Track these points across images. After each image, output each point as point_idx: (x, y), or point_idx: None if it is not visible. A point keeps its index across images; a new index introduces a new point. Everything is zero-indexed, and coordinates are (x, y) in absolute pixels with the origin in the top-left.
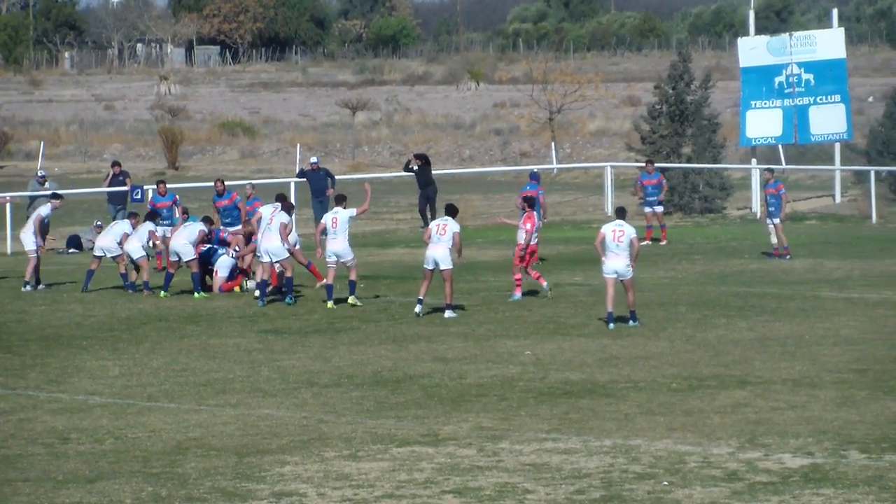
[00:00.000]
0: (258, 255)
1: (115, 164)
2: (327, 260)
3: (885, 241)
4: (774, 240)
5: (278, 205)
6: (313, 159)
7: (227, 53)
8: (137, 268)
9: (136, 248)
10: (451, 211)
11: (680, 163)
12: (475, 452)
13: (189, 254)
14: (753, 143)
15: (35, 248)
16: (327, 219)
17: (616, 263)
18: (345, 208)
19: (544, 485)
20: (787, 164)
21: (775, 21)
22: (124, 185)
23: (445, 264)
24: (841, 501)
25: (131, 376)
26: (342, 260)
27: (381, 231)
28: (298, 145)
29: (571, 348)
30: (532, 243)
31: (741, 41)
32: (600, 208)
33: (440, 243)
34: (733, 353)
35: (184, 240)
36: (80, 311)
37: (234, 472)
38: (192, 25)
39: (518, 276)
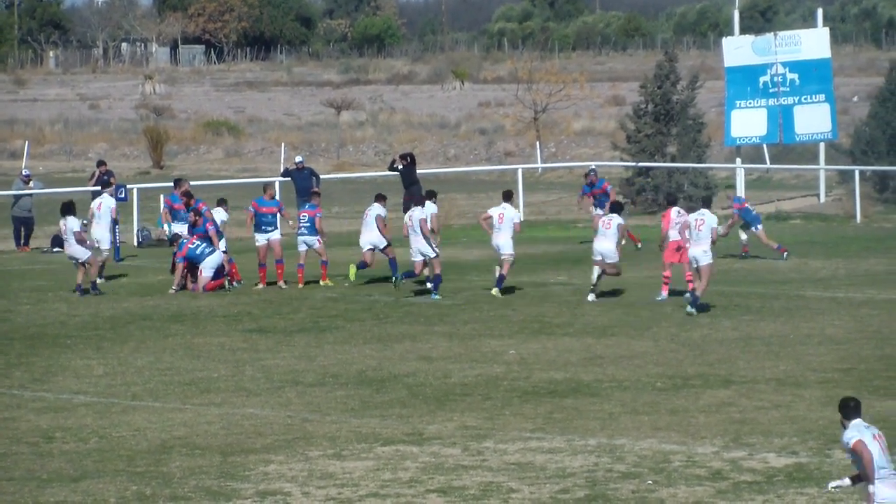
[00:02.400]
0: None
1: (101, 163)
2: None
3: (870, 241)
4: (744, 237)
5: (505, 206)
6: (298, 158)
7: (212, 53)
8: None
9: (80, 251)
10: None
11: (665, 162)
12: (460, 451)
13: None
14: (738, 142)
15: (109, 245)
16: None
17: (696, 250)
18: (423, 207)
19: (529, 484)
20: (770, 163)
21: (760, 21)
22: (110, 184)
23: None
24: (825, 501)
25: (116, 375)
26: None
27: None
28: (283, 144)
29: (556, 347)
30: (672, 240)
31: (726, 41)
32: (585, 207)
33: (502, 231)
34: (718, 353)
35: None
36: (65, 310)
37: (219, 471)
38: (177, 25)
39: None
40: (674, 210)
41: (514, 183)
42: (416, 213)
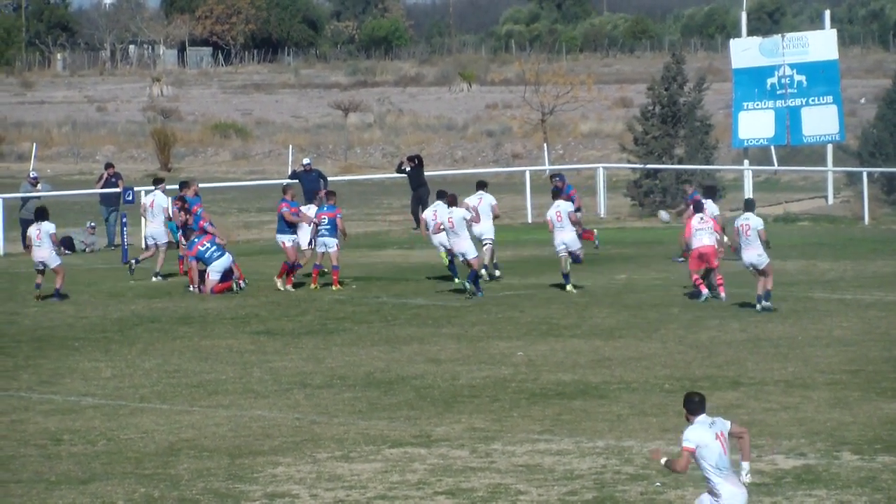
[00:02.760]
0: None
1: (109, 165)
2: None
3: (878, 243)
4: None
5: (481, 193)
6: (305, 160)
7: (220, 55)
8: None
9: (50, 256)
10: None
11: (672, 164)
12: (468, 453)
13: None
14: (746, 144)
15: (167, 240)
16: (443, 217)
17: (750, 255)
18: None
19: (537, 486)
20: (778, 164)
21: (767, 22)
22: (117, 186)
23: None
24: (834, 502)
25: (123, 377)
26: (468, 257)
27: (373, 232)
28: (291, 146)
29: (564, 349)
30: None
31: (733, 42)
32: (592, 209)
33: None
34: (726, 355)
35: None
36: (73, 312)
37: (227, 473)
38: (185, 27)
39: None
40: (696, 217)
41: (522, 185)
42: (563, 206)
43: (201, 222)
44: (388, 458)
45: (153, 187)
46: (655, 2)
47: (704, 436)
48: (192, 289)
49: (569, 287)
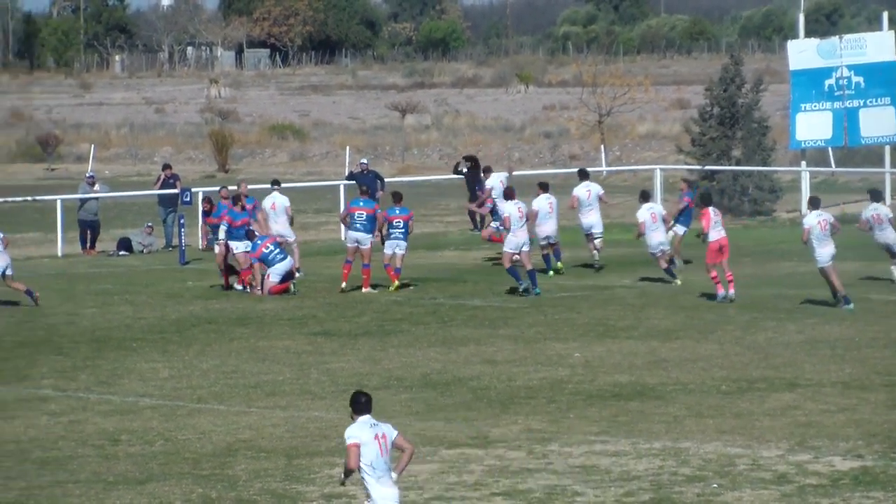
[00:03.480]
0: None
1: (166, 167)
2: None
3: None
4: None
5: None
6: (363, 161)
7: (277, 56)
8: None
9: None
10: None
11: (730, 165)
12: (524, 455)
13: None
14: (803, 145)
15: (294, 237)
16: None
17: (829, 250)
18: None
19: (593, 487)
20: (836, 166)
21: (825, 24)
22: (175, 187)
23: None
24: None
25: (181, 378)
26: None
27: (431, 234)
28: (348, 148)
29: (620, 351)
30: (713, 240)
31: (791, 44)
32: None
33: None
34: (783, 356)
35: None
36: (130, 313)
37: (284, 473)
38: (242, 29)
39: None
40: (711, 210)
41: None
42: (658, 207)
43: (248, 216)
44: (445, 459)
45: (272, 187)
46: (713, 3)
47: (364, 434)
48: (242, 288)
49: (677, 281)
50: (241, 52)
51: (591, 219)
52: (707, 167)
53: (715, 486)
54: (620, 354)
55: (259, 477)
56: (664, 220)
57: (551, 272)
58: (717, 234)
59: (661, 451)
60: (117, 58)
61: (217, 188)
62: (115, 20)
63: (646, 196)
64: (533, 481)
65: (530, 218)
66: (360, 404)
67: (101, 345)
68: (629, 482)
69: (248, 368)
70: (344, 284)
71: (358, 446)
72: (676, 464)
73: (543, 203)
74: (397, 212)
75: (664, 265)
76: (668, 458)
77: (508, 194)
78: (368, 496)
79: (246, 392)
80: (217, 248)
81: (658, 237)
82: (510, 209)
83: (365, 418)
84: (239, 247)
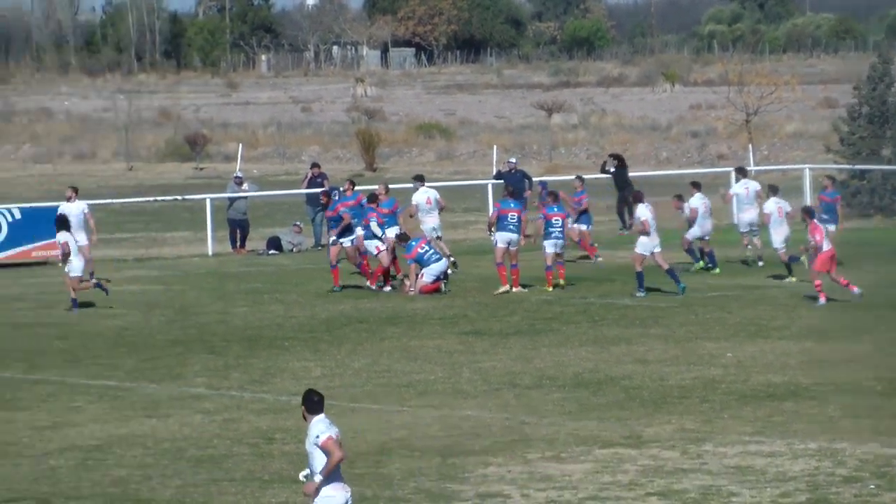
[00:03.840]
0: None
1: (314, 165)
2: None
3: None
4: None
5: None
6: (511, 160)
7: (422, 55)
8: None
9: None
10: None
11: (880, 164)
12: (679, 454)
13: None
14: None
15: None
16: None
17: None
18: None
19: (749, 487)
20: None
21: None
22: (322, 186)
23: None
24: None
25: (333, 377)
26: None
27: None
28: (495, 147)
29: (773, 350)
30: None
31: None
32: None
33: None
34: None
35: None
36: (281, 312)
37: (438, 472)
38: (387, 28)
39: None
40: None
41: (727, 186)
42: (784, 202)
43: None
44: (599, 459)
45: (418, 184)
46: (859, 1)
47: (333, 429)
48: (412, 291)
49: (789, 279)
50: (387, 51)
51: (751, 215)
52: (857, 166)
53: (872, 487)
54: (773, 354)
55: (413, 476)
56: (789, 216)
57: (698, 265)
58: (827, 243)
59: (816, 451)
60: (263, 57)
61: (364, 187)
62: (261, 20)
63: (774, 189)
64: (688, 481)
65: (692, 216)
66: (314, 403)
67: (253, 343)
68: (785, 483)
69: (399, 367)
70: (507, 287)
71: (336, 437)
72: (833, 465)
73: (698, 202)
74: (556, 209)
75: (784, 259)
76: (824, 459)
77: (638, 198)
78: (314, 494)
79: (398, 391)
80: (344, 244)
81: (783, 232)
82: (644, 213)
83: (321, 417)
84: (357, 240)
